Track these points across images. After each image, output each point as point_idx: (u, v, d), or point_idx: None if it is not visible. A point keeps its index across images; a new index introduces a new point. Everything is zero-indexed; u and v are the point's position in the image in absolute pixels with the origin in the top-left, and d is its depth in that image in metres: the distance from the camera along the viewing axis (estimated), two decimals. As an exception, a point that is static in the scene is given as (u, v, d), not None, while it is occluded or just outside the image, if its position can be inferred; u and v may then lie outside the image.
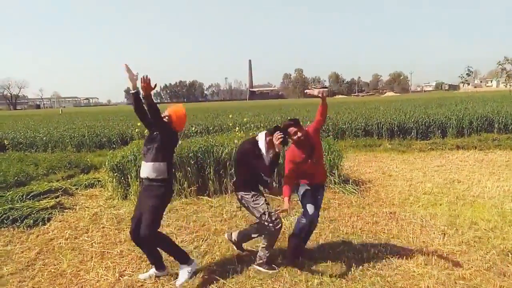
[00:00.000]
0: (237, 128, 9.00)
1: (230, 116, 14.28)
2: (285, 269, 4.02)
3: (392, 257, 4.21)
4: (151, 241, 3.70)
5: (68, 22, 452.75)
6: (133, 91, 3.65)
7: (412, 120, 13.49)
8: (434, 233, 4.84)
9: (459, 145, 11.43)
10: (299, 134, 3.90)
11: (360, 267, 4.00)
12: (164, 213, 5.88)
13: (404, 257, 4.20)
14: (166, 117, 3.78)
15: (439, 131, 13.15)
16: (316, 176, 4.09)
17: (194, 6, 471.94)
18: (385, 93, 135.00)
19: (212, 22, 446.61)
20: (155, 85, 3.59)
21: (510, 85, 45.77)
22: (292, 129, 3.91)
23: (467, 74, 58.22)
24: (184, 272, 3.82)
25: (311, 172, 4.03)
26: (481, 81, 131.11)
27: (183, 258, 3.88)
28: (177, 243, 4.78)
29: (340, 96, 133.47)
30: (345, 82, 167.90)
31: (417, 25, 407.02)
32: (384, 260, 4.15)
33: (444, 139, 12.71)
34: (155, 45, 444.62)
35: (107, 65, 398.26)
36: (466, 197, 6.32)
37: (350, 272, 3.89)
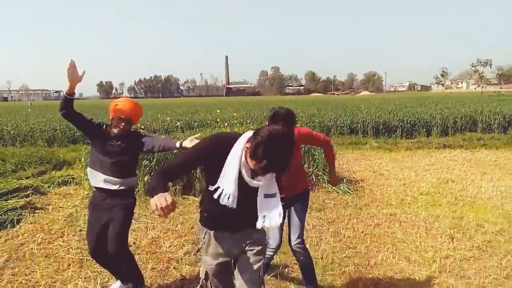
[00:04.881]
0: (225, 123, 8.55)
1: (218, 111, 13.76)
2: (288, 278, 3.63)
3: (402, 264, 3.89)
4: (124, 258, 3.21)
5: (37, 13, 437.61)
6: (69, 95, 2.84)
7: (397, 118, 13.37)
8: (441, 236, 4.55)
9: (445, 144, 11.35)
10: None
11: (371, 276, 3.66)
12: (149, 214, 5.49)
13: (416, 263, 3.89)
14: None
15: (424, 130, 13.09)
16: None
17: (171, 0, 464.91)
18: (360, 92, 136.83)
19: (188, 17, 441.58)
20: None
21: (482, 87, 47.05)
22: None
23: (441, 75, 59.53)
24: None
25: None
26: (451, 83, 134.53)
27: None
28: (165, 248, 4.37)
29: (316, 94, 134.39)
30: (321, 80, 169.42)
31: (391, 27, 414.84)
32: (394, 268, 3.81)
33: (429, 138, 12.63)
34: (129, 38, 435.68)
35: (79, 58, 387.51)
36: (464, 198, 6.10)
37: (361, 282, 3.53)
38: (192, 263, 3.98)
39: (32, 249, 4.35)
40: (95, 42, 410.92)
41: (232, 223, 2.17)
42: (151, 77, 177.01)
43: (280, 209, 2.08)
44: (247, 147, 1.90)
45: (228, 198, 1.99)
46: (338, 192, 6.43)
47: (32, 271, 3.82)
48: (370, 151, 10.91)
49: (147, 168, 6.28)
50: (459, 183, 7.03)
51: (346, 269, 3.80)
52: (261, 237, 2.28)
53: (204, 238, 2.25)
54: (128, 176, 3.16)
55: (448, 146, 11.22)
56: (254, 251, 2.22)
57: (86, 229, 4.81)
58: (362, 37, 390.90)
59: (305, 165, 6.73)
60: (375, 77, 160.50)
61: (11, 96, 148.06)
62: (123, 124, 3.01)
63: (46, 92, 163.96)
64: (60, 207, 5.90)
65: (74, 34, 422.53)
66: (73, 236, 4.76)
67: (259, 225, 2.07)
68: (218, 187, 2.01)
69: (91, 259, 4.01)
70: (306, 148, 6.91)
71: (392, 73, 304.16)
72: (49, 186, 6.97)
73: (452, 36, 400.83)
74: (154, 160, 6.32)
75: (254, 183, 2.01)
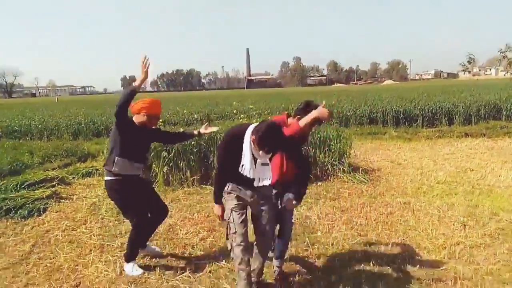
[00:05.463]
0: (241, 115, 8.68)
1: (234, 103, 13.95)
2: (299, 263, 3.75)
3: (412, 251, 3.94)
4: None
5: (63, 9, 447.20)
6: (137, 87, 3.25)
7: (418, 107, 13.18)
8: (453, 224, 4.56)
9: (467, 133, 11.15)
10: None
11: (379, 261, 3.72)
12: (167, 203, 5.68)
13: (425, 250, 3.94)
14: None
15: (446, 118, 12.86)
16: None
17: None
18: (384, 81, 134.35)
19: (210, 10, 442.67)
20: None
21: (511, 73, 45.27)
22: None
23: (468, 61, 57.48)
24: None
25: None
26: (479, 69, 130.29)
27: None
28: (181, 235, 4.55)
29: (339, 84, 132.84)
30: (343, 70, 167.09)
31: (416, 13, 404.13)
32: (404, 254, 3.87)
33: (451, 126, 12.41)
34: (152, 32, 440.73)
35: (102, 52, 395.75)
36: (481, 187, 6.04)
37: (369, 267, 3.61)
38: (206, 249, 4.15)
39: (57, 235, 4.62)
40: (117, 37, 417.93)
41: (247, 185, 2.98)
42: (173, 71, 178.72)
43: (269, 175, 2.95)
44: (253, 139, 2.77)
45: (248, 170, 2.85)
46: (353, 182, 6.48)
47: (56, 255, 4.08)
48: (390, 141, 10.83)
49: (166, 160, 6.47)
50: (478, 172, 6.94)
51: (355, 255, 3.88)
52: (267, 191, 3.10)
53: (227, 189, 3.02)
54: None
55: (470, 134, 11.01)
56: (263, 202, 3.06)
57: (108, 218, 5.11)
58: (386, 24, 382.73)
59: (320, 155, 6.79)
60: (399, 66, 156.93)
61: (39, 92, 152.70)
62: (156, 121, 3.68)
63: (72, 88, 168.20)
64: (83, 197, 6.18)
65: (97, 30, 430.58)
66: (95, 223, 5.01)
67: (256, 184, 2.93)
68: (243, 164, 2.86)
69: (111, 243, 4.27)
70: (322, 139, 6.96)
71: (417, 61, 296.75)
72: (73, 177, 7.29)
73: (480, 21, 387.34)
74: (173, 152, 6.50)
75: (260, 157, 2.87)
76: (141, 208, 3.66)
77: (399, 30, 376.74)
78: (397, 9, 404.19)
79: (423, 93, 21.84)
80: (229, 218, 2.97)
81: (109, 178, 3.48)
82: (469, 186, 6.08)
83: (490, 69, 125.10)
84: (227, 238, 3.05)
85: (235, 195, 3.00)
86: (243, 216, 3.00)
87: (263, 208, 3.05)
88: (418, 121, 12.86)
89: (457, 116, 12.80)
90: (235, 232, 2.93)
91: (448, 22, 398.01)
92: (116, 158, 3.40)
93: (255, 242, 3.15)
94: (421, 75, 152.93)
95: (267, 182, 2.95)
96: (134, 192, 3.55)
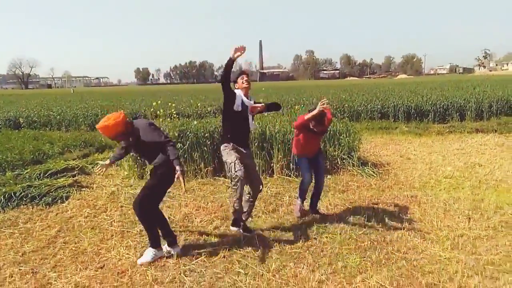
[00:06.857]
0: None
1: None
2: (307, 250, 3.97)
3: (417, 241, 4.12)
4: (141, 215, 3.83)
5: (75, 3, 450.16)
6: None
7: (430, 102, 13.21)
8: (458, 217, 4.73)
9: (478, 129, 11.19)
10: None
11: (385, 250, 3.92)
12: (182, 193, 5.94)
13: (430, 241, 4.11)
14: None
15: (457, 114, 12.88)
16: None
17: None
18: (398, 75, 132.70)
19: (221, 1, 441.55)
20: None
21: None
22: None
23: (483, 56, 56.79)
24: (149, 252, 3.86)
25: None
26: (496, 64, 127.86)
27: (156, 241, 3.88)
28: (196, 223, 4.79)
29: (352, 78, 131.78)
30: (357, 64, 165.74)
31: (431, 7, 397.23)
32: (408, 244, 4.06)
33: (463, 122, 12.47)
34: (165, 25, 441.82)
35: (116, 45, 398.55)
36: (488, 181, 6.17)
37: (374, 256, 3.81)
38: (220, 236, 4.38)
39: (80, 221, 4.92)
40: (132, 29, 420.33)
41: (241, 140, 4.21)
42: (186, 63, 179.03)
43: (252, 121, 4.25)
44: (238, 86, 4.21)
45: (238, 105, 4.06)
46: (362, 175, 6.65)
47: (81, 240, 4.36)
48: (400, 136, 10.92)
49: (181, 151, 6.72)
50: (487, 167, 7.05)
51: (362, 244, 4.08)
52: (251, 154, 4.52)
53: (229, 145, 4.12)
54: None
55: (481, 130, 11.05)
56: (251, 161, 4.34)
57: (127, 206, 5.37)
58: (401, 17, 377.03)
59: (330, 148, 6.97)
60: (414, 60, 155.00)
61: (55, 83, 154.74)
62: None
63: (86, 78, 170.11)
64: (103, 186, 6.48)
65: (112, 22, 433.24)
66: (115, 211, 5.29)
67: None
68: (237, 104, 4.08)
69: (131, 230, 4.54)
70: (332, 133, 7.13)
71: (433, 55, 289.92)
72: (93, 167, 7.58)
73: (496, 17, 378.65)
74: (187, 144, 6.74)
75: (246, 101, 4.12)
76: None
77: (414, 23, 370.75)
78: (413, 2, 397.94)
79: (436, 88, 21.70)
80: (232, 163, 3.92)
81: None
82: (476, 181, 6.21)
83: (508, 64, 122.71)
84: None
85: (236, 151, 4.09)
86: (242, 166, 3.99)
87: (250, 161, 4.27)
88: (430, 117, 12.91)
89: (468, 112, 12.82)
90: (236, 169, 3.87)
91: (465, 16, 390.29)
92: None
93: (249, 188, 4.26)
94: (436, 70, 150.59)
95: (252, 127, 4.29)
96: None
